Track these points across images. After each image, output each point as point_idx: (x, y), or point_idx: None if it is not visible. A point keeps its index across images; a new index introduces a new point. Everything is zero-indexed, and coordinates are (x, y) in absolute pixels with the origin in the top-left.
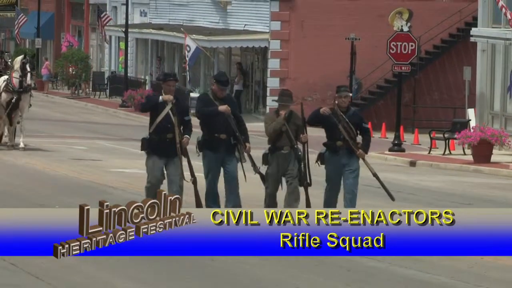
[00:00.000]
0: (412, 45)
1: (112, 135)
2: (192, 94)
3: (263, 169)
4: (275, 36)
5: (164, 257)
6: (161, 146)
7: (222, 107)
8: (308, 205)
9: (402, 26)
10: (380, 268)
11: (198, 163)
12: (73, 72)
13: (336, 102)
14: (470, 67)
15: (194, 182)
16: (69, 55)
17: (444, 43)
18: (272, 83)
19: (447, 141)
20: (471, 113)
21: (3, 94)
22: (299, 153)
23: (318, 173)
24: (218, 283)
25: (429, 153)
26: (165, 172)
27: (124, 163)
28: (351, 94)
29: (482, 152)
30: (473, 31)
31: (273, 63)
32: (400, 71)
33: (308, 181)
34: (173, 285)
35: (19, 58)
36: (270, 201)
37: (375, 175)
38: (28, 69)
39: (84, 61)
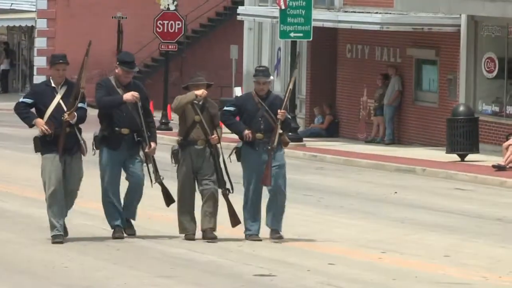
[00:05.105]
0: (179, 24)
1: None
2: None
3: (162, 175)
4: (42, 15)
5: None
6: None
7: (127, 95)
8: (232, 215)
9: (168, 4)
10: (148, 247)
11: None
12: None
13: (254, 88)
14: (237, 45)
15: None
16: None
17: (211, 22)
18: (40, 62)
19: None
20: (238, 91)
21: None
22: (212, 149)
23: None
24: None
25: None
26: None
27: None
28: (272, 78)
29: None
30: (240, 9)
31: (40, 42)
32: (167, 50)
33: (229, 187)
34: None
35: None
36: (184, 207)
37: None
38: None
39: None
